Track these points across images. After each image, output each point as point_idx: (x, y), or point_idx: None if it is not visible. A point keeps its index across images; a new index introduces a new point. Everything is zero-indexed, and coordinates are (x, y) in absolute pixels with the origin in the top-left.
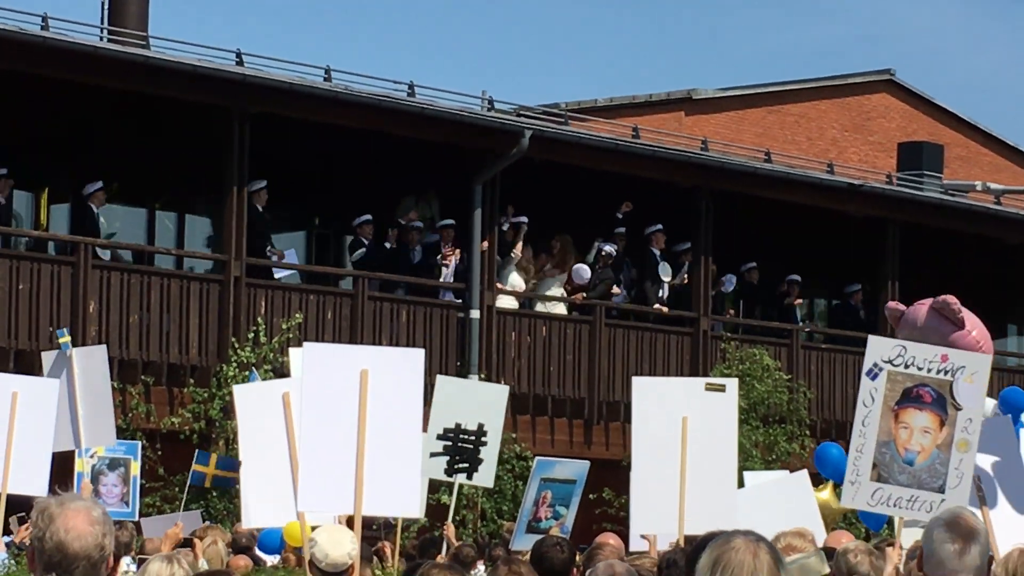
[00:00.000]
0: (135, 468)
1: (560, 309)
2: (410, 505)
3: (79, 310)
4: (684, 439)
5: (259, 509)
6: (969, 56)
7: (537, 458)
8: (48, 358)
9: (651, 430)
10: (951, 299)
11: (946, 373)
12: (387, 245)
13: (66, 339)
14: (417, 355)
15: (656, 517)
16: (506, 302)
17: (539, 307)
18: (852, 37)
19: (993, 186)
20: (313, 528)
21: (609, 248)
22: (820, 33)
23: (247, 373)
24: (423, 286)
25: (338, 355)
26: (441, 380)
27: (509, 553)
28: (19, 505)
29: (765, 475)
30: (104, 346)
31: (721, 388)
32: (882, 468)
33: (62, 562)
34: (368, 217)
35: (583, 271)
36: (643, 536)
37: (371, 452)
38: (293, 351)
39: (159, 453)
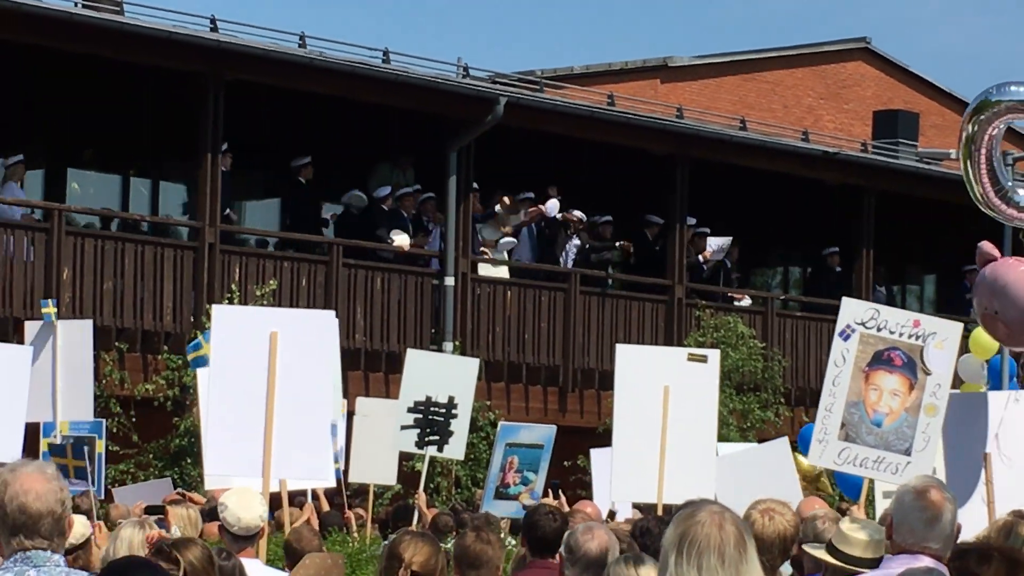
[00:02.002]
0: (100, 446)
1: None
2: (321, 470)
3: (53, 277)
4: (665, 408)
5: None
6: (945, 24)
7: (501, 423)
8: (32, 328)
9: (632, 398)
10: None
11: (917, 338)
12: (384, 208)
13: (50, 310)
14: (328, 317)
15: (636, 485)
16: (493, 270)
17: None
18: (828, 5)
19: None
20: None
21: (579, 213)
22: (796, 1)
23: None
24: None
25: (247, 317)
26: (411, 353)
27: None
28: None
29: (741, 446)
30: (90, 321)
31: (703, 359)
32: (850, 428)
33: (27, 523)
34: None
35: (553, 205)
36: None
37: (280, 416)
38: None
39: (133, 420)
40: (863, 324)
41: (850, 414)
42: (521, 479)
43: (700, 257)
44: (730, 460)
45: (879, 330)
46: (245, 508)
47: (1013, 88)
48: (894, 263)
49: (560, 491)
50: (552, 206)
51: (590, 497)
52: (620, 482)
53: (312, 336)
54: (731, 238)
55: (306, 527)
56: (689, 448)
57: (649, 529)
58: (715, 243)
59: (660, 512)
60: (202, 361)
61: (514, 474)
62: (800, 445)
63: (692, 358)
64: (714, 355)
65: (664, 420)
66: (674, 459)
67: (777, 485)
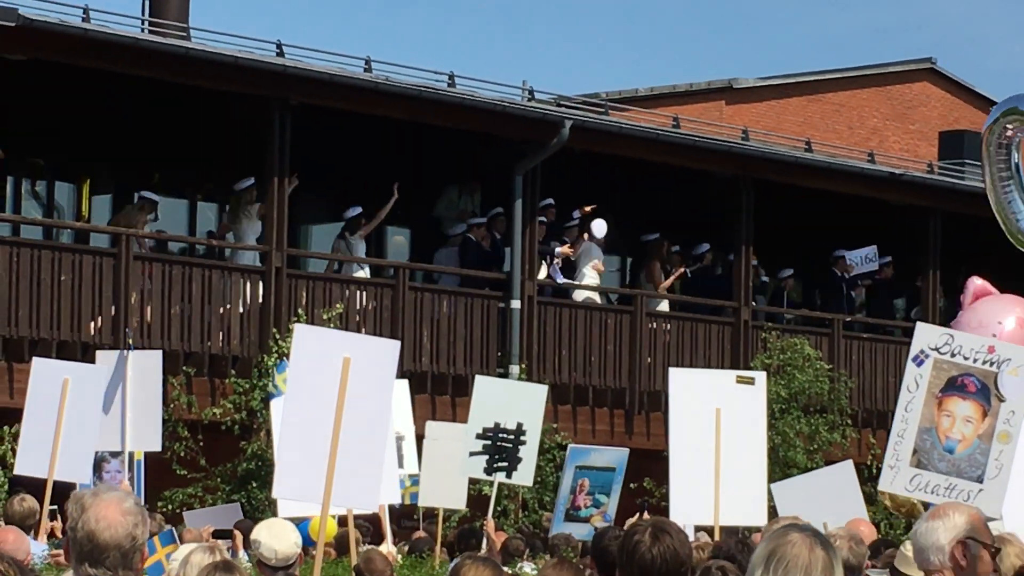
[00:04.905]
0: (139, 453)
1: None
2: (374, 501)
3: (121, 301)
4: (718, 431)
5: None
6: (1011, 44)
7: (570, 446)
8: (108, 357)
9: (686, 421)
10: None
11: (992, 364)
12: (475, 239)
13: (132, 340)
14: (393, 346)
15: (692, 507)
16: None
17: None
18: (893, 25)
19: None
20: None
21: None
22: (861, 21)
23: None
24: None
25: (324, 340)
26: (480, 380)
27: (546, 542)
28: (60, 495)
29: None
30: (160, 352)
31: (751, 381)
32: (922, 454)
33: (93, 552)
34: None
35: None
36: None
37: (344, 445)
38: None
39: (200, 444)
40: (937, 349)
41: (922, 440)
42: (592, 502)
43: (844, 274)
44: (795, 484)
45: (953, 356)
46: (279, 539)
47: None
48: (960, 284)
49: (646, 511)
50: (598, 228)
51: None
52: (677, 505)
53: (378, 364)
54: (875, 246)
55: (376, 551)
56: (741, 469)
57: (734, 555)
58: (858, 255)
59: (717, 534)
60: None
61: (585, 496)
62: None
63: (740, 380)
64: (761, 377)
65: (717, 442)
66: (728, 481)
67: (842, 508)
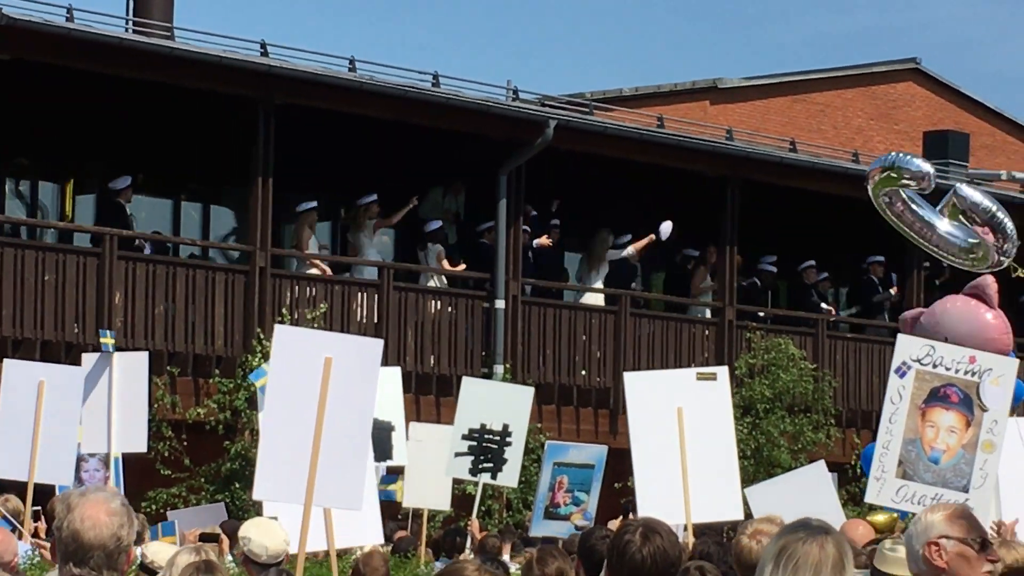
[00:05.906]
0: (115, 451)
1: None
2: (357, 500)
3: (104, 301)
4: (681, 429)
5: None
6: (995, 45)
7: (547, 443)
8: (89, 359)
9: (647, 423)
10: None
11: (973, 374)
12: (484, 242)
13: (108, 340)
14: (376, 345)
15: (662, 507)
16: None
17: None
18: (877, 26)
19: (1019, 175)
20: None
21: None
22: (845, 22)
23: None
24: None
25: (306, 340)
26: (467, 381)
27: (526, 541)
28: (42, 496)
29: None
30: (146, 354)
31: (712, 376)
32: (908, 465)
33: (77, 551)
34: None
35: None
36: None
37: (326, 444)
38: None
39: (184, 444)
40: (919, 361)
41: (907, 451)
42: (572, 499)
43: (892, 292)
44: (768, 486)
45: (935, 367)
46: (269, 536)
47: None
48: (946, 286)
49: (631, 512)
50: (666, 229)
51: None
52: (646, 505)
53: (361, 364)
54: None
55: (378, 551)
56: (711, 466)
57: (711, 553)
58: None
59: (691, 533)
60: None
61: (564, 494)
62: (863, 465)
63: (702, 377)
64: (723, 372)
65: (682, 441)
66: (698, 479)
67: (816, 509)
